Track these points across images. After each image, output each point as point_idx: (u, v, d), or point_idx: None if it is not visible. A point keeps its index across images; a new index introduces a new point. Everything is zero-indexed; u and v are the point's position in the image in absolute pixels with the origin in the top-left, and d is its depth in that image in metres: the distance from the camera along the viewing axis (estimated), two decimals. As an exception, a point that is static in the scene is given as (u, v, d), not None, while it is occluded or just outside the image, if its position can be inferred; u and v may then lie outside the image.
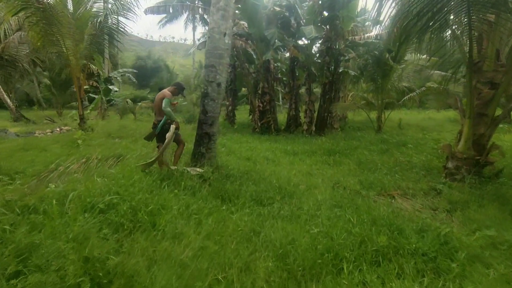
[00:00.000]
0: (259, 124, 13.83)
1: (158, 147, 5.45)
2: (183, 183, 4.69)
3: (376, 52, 12.52)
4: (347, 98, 18.14)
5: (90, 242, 2.84)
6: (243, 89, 21.70)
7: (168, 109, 5.13)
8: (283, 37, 12.50)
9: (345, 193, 5.15)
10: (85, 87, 20.70)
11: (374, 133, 12.03)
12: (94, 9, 9.01)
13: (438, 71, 18.35)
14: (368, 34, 12.61)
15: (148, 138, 5.50)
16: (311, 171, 6.71)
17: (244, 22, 14.92)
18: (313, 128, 13.15)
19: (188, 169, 5.20)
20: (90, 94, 20.43)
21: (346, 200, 4.72)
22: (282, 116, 19.31)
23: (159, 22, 22.90)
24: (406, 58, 13.22)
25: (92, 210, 3.61)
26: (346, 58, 13.76)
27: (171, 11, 15.16)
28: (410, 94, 12.29)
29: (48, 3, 7.75)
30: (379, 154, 8.02)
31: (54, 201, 3.43)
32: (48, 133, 10.09)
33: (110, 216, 3.49)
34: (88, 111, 19.02)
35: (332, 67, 13.20)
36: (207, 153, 5.35)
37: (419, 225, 3.74)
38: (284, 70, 17.28)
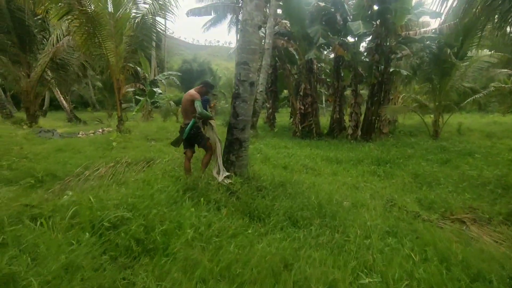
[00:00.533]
0: (300, 128, 13.00)
1: (185, 153, 4.94)
2: (207, 196, 4.11)
3: (434, 47, 11.08)
4: (397, 100, 16.58)
5: (79, 274, 2.33)
6: (284, 91, 20.98)
7: (202, 110, 4.62)
8: (328, 34, 11.56)
9: (400, 215, 4.21)
10: (131, 89, 21.51)
11: (430, 140, 10.61)
12: (134, 11, 8.89)
13: (504, 70, 16.13)
14: (425, 29, 11.20)
15: (175, 143, 5.01)
16: (357, 183, 5.79)
17: (286, 21, 14.23)
18: (359, 132, 12.00)
19: (217, 175, 4.61)
20: (137, 97, 21.11)
21: (402, 225, 3.80)
22: (324, 120, 18.24)
23: (204, 25, 23.01)
24: (469, 54, 11.55)
25: (100, 226, 3.14)
26: (398, 56, 12.42)
27: (212, 13, 14.93)
28: (475, 96, 10.68)
29: (89, 4, 7.69)
30: (440, 165, 6.82)
31: (43, 220, 2.96)
32: (91, 134, 10.22)
33: (117, 237, 2.97)
34: (134, 113, 19.68)
35: (382, 66, 11.96)
36: (237, 162, 4.71)
37: (508, 271, 2.75)
38: (328, 70, 16.24)
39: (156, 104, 21.57)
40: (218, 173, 4.66)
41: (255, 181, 4.65)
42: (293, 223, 3.81)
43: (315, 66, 13.73)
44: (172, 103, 21.93)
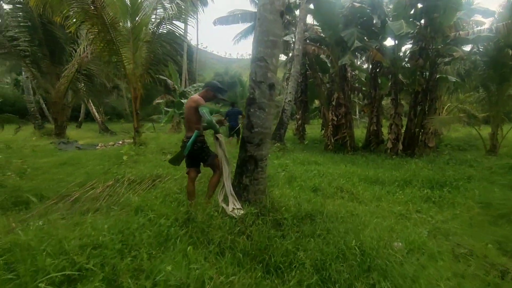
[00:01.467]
0: (333, 141, 11.65)
1: (188, 173, 3.92)
2: (208, 233, 3.03)
3: (490, 49, 9.41)
4: (441, 111, 14.75)
5: None
6: (316, 101, 19.74)
7: (209, 118, 3.60)
8: (364, 38, 10.25)
9: (479, 270, 2.86)
10: (161, 100, 21.31)
11: (488, 156, 8.86)
12: (153, 17, 8.24)
13: None
14: (479, 28, 9.58)
15: (174, 161, 3.98)
16: (407, 213, 4.45)
17: (317, 27, 13.12)
18: (400, 146, 10.44)
19: (224, 204, 3.54)
20: (166, 108, 20.88)
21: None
22: (358, 132, 16.68)
23: (234, 38, 22.56)
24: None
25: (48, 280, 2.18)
26: (446, 60, 10.80)
27: (240, 21, 14.18)
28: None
29: (102, 8, 7.09)
30: (515, 190, 5.26)
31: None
32: (109, 146, 9.65)
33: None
34: (162, 124, 19.34)
35: (427, 72, 10.43)
36: (252, 186, 3.60)
37: None
38: (362, 79, 14.81)
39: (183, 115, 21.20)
40: (226, 201, 3.58)
41: (274, 212, 3.49)
42: (323, 280, 2.62)
43: (348, 74, 12.43)
44: (200, 114, 21.43)
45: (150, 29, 7.98)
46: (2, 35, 11.16)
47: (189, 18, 8.72)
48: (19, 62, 12.13)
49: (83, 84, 12.65)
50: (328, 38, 11.38)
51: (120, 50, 7.70)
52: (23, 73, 14.55)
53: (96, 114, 19.00)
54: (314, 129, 22.18)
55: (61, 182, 5.10)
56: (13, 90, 26.50)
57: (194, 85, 24.76)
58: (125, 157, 6.78)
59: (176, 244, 2.87)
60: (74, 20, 7.60)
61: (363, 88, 13.55)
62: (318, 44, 12.02)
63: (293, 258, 2.81)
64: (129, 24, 7.85)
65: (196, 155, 3.80)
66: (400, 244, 3.38)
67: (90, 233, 2.85)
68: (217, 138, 3.77)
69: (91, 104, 18.78)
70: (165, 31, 8.13)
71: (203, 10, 35.75)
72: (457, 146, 12.30)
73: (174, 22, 8.11)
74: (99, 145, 9.81)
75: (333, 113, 11.69)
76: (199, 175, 4.09)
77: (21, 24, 12.03)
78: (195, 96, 3.81)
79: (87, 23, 7.62)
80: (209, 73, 54.27)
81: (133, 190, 4.83)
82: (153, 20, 8.31)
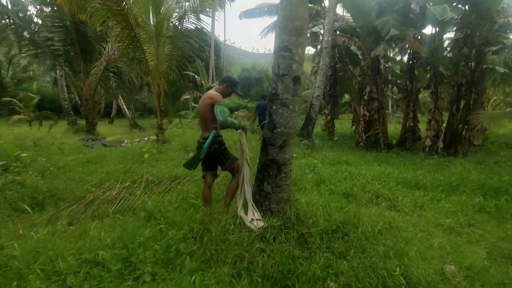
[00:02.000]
0: (364, 138, 10.84)
1: (204, 177, 3.52)
2: (223, 250, 2.60)
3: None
4: (487, 104, 13.38)
5: None
6: (345, 95, 18.81)
7: (224, 118, 3.18)
8: (400, 26, 9.32)
9: None
10: (187, 96, 21.30)
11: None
12: (176, 10, 7.90)
13: None
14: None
15: (190, 165, 3.57)
16: (458, 227, 3.77)
17: (348, 17, 12.27)
18: (440, 144, 9.45)
19: (243, 213, 3.09)
20: (193, 104, 20.86)
21: None
22: (391, 128, 15.56)
23: (261, 32, 22.01)
24: None
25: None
26: (494, 49, 9.62)
27: (266, 14, 13.61)
28: None
29: (125, 5, 6.86)
30: None
31: None
32: (135, 142, 9.55)
33: None
34: (189, 120, 19.31)
35: (472, 62, 9.33)
36: (274, 194, 3.12)
37: None
38: (397, 71, 13.73)
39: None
40: (246, 208, 3.14)
41: (300, 226, 3.00)
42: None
43: (381, 66, 11.49)
44: (226, 109, 21.18)
45: (172, 23, 7.65)
46: (37, 35, 11.41)
47: (215, 12, 8.28)
48: (54, 61, 12.39)
49: (112, 82, 12.74)
50: (359, 28, 10.53)
51: (143, 46, 7.46)
52: (57, 71, 14.98)
53: (127, 110, 19.30)
54: (343, 124, 21.17)
55: (81, 182, 4.92)
56: (53, 88, 27.71)
57: (221, 80, 24.63)
58: (146, 156, 6.55)
59: (185, 262, 2.47)
60: (99, 17, 7.44)
61: (398, 81, 12.50)
62: (348, 35, 11.19)
63: (322, 286, 2.31)
64: (152, 19, 7.57)
65: (214, 158, 3.39)
66: (453, 267, 2.77)
67: (92, 247, 2.53)
68: (220, 143, 3.35)
69: (122, 101, 19.08)
70: (188, 25, 7.78)
71: (230, 5, 35.53)
72: (505, 143, 11.02)
73: (197, 15, 7.72)
74: (125, 141, 9.75)
75: (364, 108, 10.87)
76: (217, 179, 3.68)
77: (56, 24, 12.28)
78: (212, 92, 3.38)
79: (111, 20, 7.45)
80: (237, 69, 54.09)
81: (150, 192, 4.53)
82: (176, 13, 7.99)
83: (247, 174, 3.37)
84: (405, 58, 14.29)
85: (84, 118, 12.88)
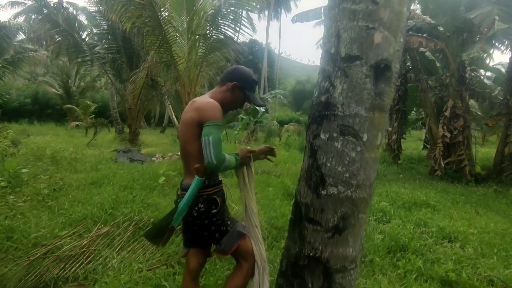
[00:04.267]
0: (443, 165, 8.29)
1: (185, 255, 1.85)
2: None
3: None
4: None
5: None
6: (413, 110, 15.97)
7: (224, 156, 1.58)
8: (509, 18, 6.78)
9: None
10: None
11: None
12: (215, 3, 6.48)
13: None
14: None
15: (154, 237, 1.91)
16: None
17: (426, 17, 9.87)
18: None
19: None
20: (241, 116, 19.70)
21: None
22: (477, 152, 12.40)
23: (317, 42, 20.25)
24: None
25: None
26: None
27: (322, 16, 11.82)
28: None
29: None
30: None
31: None
32: (168, 157, 8.37)
33: None
34: (236, 132, 18.11)
35: None
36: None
37: None
38: (487, 81, 10.82)
39: (259, 124, 19.73)
40: None
41: None
42: None
43: (467, 74, 8.88)
44: (275, 122, 19.64)
45: (209, 20, 6.28)
46: (84, 43, 11.11)
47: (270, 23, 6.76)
48: (101, 69, 12.05)
49: (153, 90, 11.98)
50: (442, 26, 8.18)
51: (172, 46, 6.19)
52: (108, 79, 14.88)
53: (175, 120, 18.78)
54: (407, 142, 18.11)
55: (58, 217, 3.61)
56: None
57: (272, 92, 23.20)
58: (161, 180, 5.15)
59: None
60: (128, 16, 6.40)
61: (492, 94, 9.68)
62: (426, 35, 8.83)
63: None
64: (184, 13, 6.26)
65: (198, 231, 1.71)
66: None
67: None
68: (209, 201, 1.68)
69: (171, 110, 18.62)
70: (225, 23, 6.31)
71: (286, 16, 34.30)
72: None
73: (236, 11, 6.26)
74: (156, 155, 8.64)
75: (445, 127, 8.36)
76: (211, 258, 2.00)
77: (104, 32, 12.00)
78: (201, 99, 1.71)
79: (140, 19, 6.36)
80: (291, 81, 52.65)
81: (132, 248, 3.02)
82: (211, 10, 6.62)
83: (261, 251, 1.68)
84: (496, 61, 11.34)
85: (128, 127, 12.26)
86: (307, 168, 1.38)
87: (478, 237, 3.65)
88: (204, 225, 1.66)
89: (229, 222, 1.72)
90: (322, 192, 1.29)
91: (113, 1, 6.44)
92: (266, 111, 20.54)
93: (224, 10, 5.86)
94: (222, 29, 6.16)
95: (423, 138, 17.32)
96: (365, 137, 1.26)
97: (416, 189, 6.23)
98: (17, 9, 20.07)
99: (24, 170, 5.04)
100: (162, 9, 5.87)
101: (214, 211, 1.65)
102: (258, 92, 19.08)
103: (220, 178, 1.86)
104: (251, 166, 1.86)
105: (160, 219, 1.80)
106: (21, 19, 19.32)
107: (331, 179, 1.28)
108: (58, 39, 10.84)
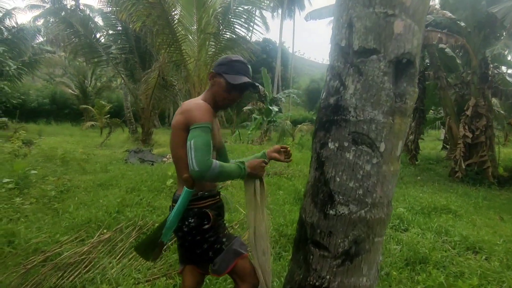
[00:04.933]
0: (463, 166, 7.86)
1: (181, 271, 1.68)
2: None
3: None
4: None
5: None
6: (431, 109, 15.37)
7: (212, 163, 1.35)
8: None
9: None
10: (249, 107, 20.06)
11: None
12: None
13: None
14: None
15: (144, 251, 1.74)
16: None
17: (446, 12, 9.39)
18: None
19: None
20: (254, 115, 19.54)
21: None
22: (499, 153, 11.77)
23: (330, 43, 19.83)
24: None
25: None
26: None
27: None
28: None
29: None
30: None
31: None
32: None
33: None
34: (249, 132, 17.96)
35: None
36: None
37: None
38: (509, 78, 10.20)
39: (272, 124, 19.51)
40: None
41: None
42: None
43: (490, 72, 8.39)
44: (288, 122, 19.35)
45: (219, 17, 6.10)
46: (97, 43, 11.18)
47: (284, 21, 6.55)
48: (114, 69, 12.11)
49: (167, 91, 11.94)
50: (463, 21, 7.74)
51: (182, 45, 6.06)
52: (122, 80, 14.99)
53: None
54: (424, 142, 17.46)
55: (62, 221, 3.52)
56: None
57: (285, 91, 22.90)
58: (169, 182, 5.02)
59: None
60: (138, 15, 6.31)
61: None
62: (446, 30, 8.39)
63: None
64: (194, 11, 6.11)
65: (189, 248, 1.53)
66: None
67: None
68: (199, 216, 1.50)
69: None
70: (237, 16, 6.10)
71: (300, 14, 33.83)
72: None
73: (247, 9, 6.07)
74: (167, 156, 8.57)
75: (466, 127, 7.92)
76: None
77: (118, 33, 12.07)
78: (190, 101, 1.52)
79: (150, 18, 6.26)
80: (305, 80, 52.08)
81: (129, 258, 2.88)
82: (220, 8, 6.44)
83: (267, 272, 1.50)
84: None
85: (141, 127, 12.30)
86: (313, 182, 1.17)
87: (504, 247, 3.34)
88: (196, 241, 1.48)
89: (224, 240, 1.52)
90: (330, 211, 1.08)
91: (122, 0, 6.35)
92: (280, 110, 20.30)
93: (234, 7, 5.67)
94: (234, 28, 5.99)
95: (442, 138, 16.73)
96: (382, 147, 1.04)
97: (436, 192, 5.89)
98: (36, 12, 20.55)
99: (33, 172, 5.02)
100: (171, 7, 5.75)
101: (206, 226, 1.47)
102: (271, 91, 18.79)
103: (218, 189, 1.68)
104: (263, 180, 1.65)
105: (150, 233, 1.64)
106: (40, 22, 19.82)
107: (341, 197, 1.07)
108: (74, 40, 10.95)
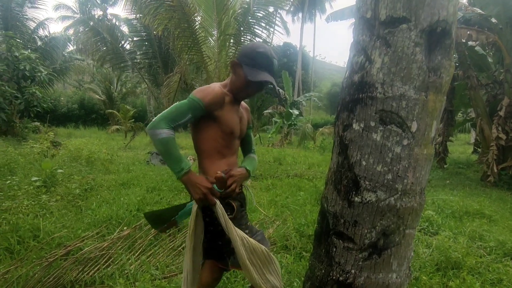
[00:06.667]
0: (496, 170, 7.37)
1: (203, 264, 1.61)
2: None
3: None
4: None
5: None
6: (460, 111, 14.67)
7: (160, 126, 1.32)
8: None
9: None
10: (269, 111, 20.02)
11: None
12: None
13: None
14: None
15: (152, 219, 1.59)
16: None
17: (476, 8, 8.95)
18: None
19: None
20: (274, 119, 19.50)
21: None
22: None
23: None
24: None
25: None
26: None
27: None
28: None
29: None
30: None
31: None
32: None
33: None
34: (270, 135, 17.92)
35: None
36: None
37: None
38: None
39: (293, 127, 19.37)
40: None
41: None
42: None
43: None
44: (309, 125, 19.11)
45: (239, 19, 6.09)
46: (122, 48, 11.56)
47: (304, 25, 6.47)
48: (138, 73, 12.47)
49: (188, 93, 12.15)
50: (495, 17, 7.34)
51: (202, 46, 6.10)
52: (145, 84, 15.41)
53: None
54: (453, 146, 16.65)
55: (84, 218, 3.59)
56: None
57: (306, 95, 22.72)
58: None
59: None
60: (160, 19, 6.43)
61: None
62: (477, 27, 7.97)
63: None
64: (214, 13, 6.14)
65: (211, 238, 1.49)
66: None
67: None
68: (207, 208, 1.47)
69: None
70: (255, 17, 6.07)
71: (320, 17, 33.60)
72: None
73: (266, 9, 6.03)
74: (189, 157, 8.65)
75: (499, 128, 7.45)
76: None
77: (142, 39, 12.41)
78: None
79: (172, 22, 6.36)
80: (326, 83, 51.52)
81: (156, 251, 2.88)
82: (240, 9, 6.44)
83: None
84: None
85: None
86: (335, 168, 1.07)
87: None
88: (218, 232, 1.43)
89: (247, 231, 1.46)
90: (356, 198, 0.98)
91: (145, 4, 6.49)
92: (300, 114, 20.11)
93: (254, 8, 5.65)
94: (254, 29, 5.97)
95: (472, 141, 15.94)
96: (414, 127, 0.93)
97: (467, 196, 5.54)
98: (67, 23, 21.68)
99: (59, 171, 5.18)
100: (192, 10, 5.81)
101: (229, 217, 1.41)
102: (291, 95, 18.70)
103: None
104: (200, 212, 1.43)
105: (167, 208, 1.60)
106: (70, 31, 20.89)
107: (367, 182, 0.96)
108: (101, 47, 11.41)
